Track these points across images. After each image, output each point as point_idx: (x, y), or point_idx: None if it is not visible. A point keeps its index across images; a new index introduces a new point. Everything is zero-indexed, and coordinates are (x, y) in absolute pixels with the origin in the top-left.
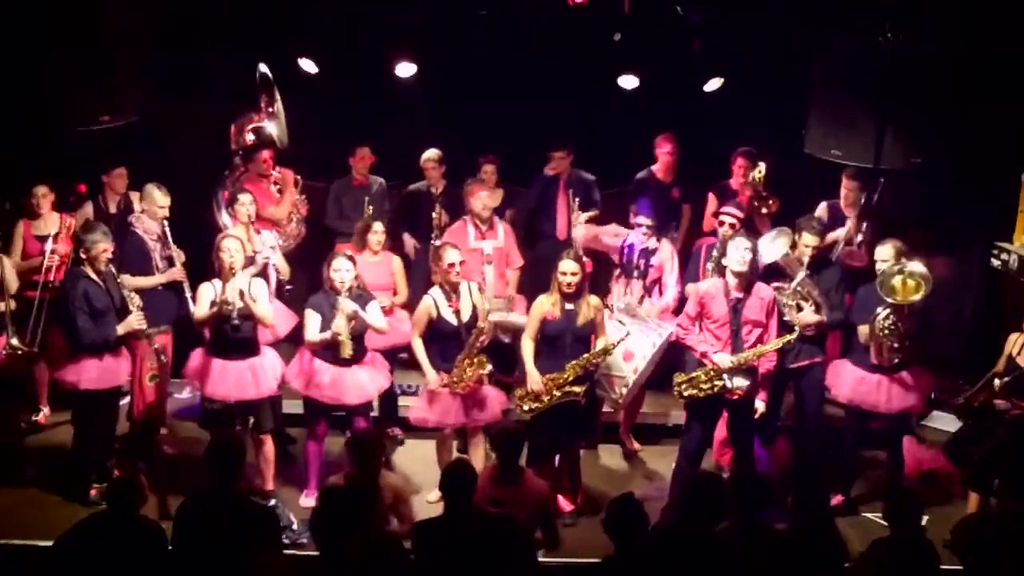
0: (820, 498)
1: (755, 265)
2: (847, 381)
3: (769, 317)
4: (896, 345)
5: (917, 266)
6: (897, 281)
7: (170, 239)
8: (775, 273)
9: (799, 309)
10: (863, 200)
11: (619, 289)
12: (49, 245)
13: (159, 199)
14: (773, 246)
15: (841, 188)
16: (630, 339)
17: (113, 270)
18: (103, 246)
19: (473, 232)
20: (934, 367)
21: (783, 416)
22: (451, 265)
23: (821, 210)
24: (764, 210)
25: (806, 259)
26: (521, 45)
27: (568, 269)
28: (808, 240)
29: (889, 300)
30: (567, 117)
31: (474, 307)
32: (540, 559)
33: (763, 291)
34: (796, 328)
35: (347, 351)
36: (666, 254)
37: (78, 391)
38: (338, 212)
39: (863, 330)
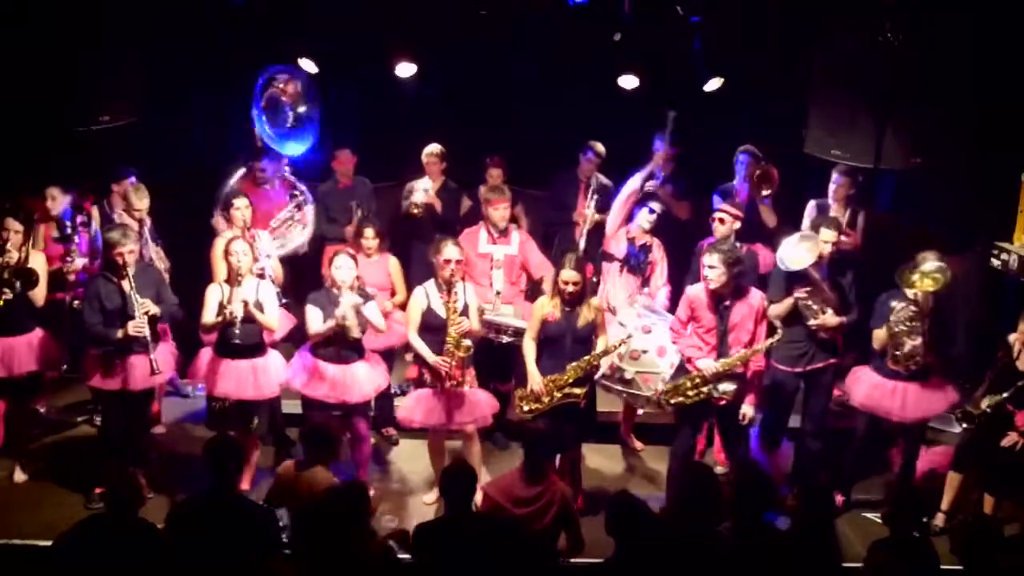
0: (824, 499)
1: (732, 280)
2: (863, 386)
3: (757, 324)
4: (912, 344)
5: (932, 263)
6: (915, 277)
7: (150, 240)
8: (798, 276)
9: (823, 312)
10: (853, 192)
11: (622, 281)
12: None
13: (135, 202)
14: (797, 251)
15: (831, 184)
16: (661, 335)
17: (130, 273)
18: (118, 249)
19: (485, 236)
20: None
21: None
22: (447, 261)
23: (811, 209)
24: (765, 191)
25: (826, 255)
26: (521, 45)
27: (569, 279)
28: (827, 236)
29: (907, 291)
30: (567, 117)
31: (466, 306)
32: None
33: (753, 297)
34: (779, 330)
35: (355, 332)
36: (658, 253)
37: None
38: (325, 216)
39: (877, 335)
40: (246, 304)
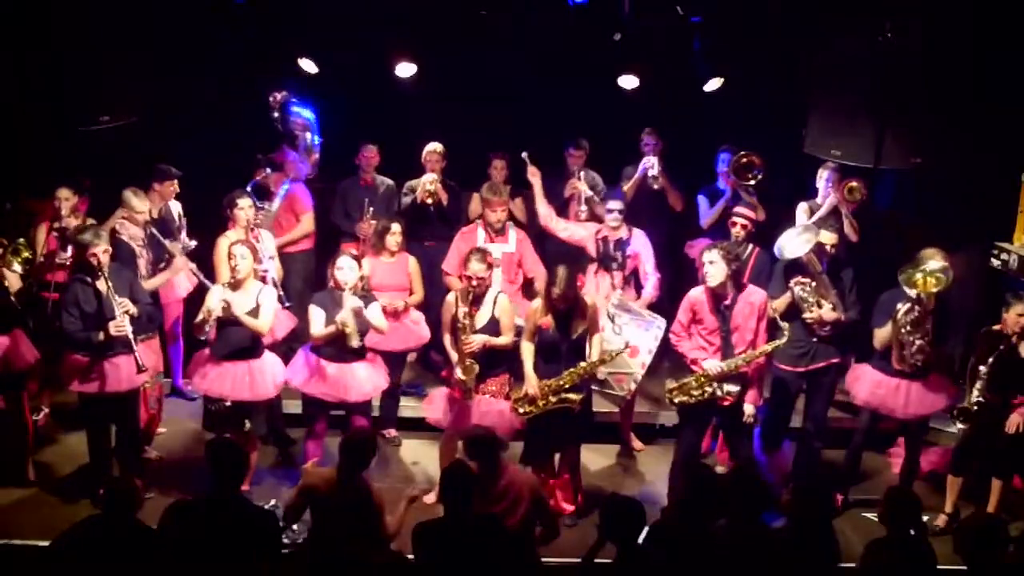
0: (821, 498)
1: (732, 276)
2: (865, 383)
3: (759, 321)
4: (919, 342)
5: (936, 263)
6: (919, 277)
7: (161, 238)
8: (798, 269)
9: (819, 306)
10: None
11: (598, 282)
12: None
13: (137, 205)
14: (797, 242)
15: (825, 183)
16: (632, 334)
17: (105, 274)
18: (92, 250)
19: (483, 235)
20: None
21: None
22: (467, 277)
23: (802, 211)
24: (751, 180)
25: (825, 258)
26: (521, 45)
27: (558, 297)
28: (827, 238)
29: (910, 291)
30: (566, 117)
31: (492, 318)
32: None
33: (753, 295)
34: (785, 334)
35: (355, 341)
36: (639, 243)
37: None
38: (343, 211)
39: (879, 334)
40: (229, 306)
